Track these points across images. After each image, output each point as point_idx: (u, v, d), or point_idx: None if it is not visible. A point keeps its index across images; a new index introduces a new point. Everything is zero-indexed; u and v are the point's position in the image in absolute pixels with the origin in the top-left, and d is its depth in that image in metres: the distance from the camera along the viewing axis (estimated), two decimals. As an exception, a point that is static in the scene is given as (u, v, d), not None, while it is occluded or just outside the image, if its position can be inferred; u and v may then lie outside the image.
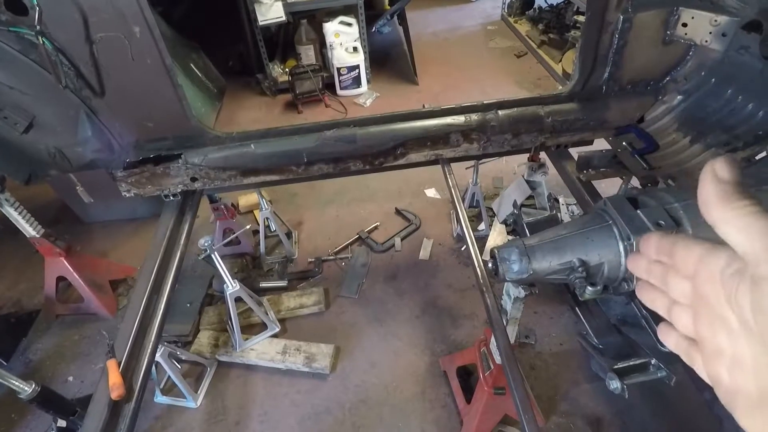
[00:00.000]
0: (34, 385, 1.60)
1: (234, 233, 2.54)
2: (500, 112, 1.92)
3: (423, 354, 2.25)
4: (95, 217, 3.19)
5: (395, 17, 5.02)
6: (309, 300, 2.45)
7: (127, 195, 1.97)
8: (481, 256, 1.65)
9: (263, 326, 2.33)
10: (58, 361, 2.39)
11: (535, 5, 5.63)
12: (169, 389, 2.15)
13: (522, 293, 1.27)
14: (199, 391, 2.15)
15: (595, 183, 1.89)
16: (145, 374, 1.46)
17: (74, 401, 1.89)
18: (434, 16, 6.17)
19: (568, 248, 1.10)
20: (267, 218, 2.65)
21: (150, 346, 1.52)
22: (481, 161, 2.47)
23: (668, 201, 1.01)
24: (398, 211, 3.06)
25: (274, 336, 2.32)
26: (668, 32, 1.68)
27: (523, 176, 2.55)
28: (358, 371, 2.20)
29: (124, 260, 2.85)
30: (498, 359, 1.55)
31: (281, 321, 2.40)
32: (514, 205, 1.56)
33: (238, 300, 2.12)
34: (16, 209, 2.10)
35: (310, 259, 2.75)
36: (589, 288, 1.08)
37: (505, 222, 2.72)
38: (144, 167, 1.90)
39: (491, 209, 2.90)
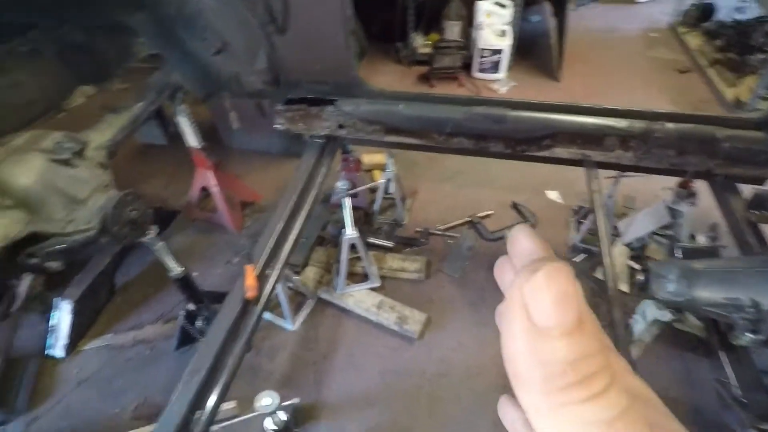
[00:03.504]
0: (182, 269, 1.88)
1: (355, 186, 2.67)
2: (669, 125, 1.75)
3: (510, 350, 2.20)
4: (236, 144, 3.57)
5: (551, 7, 4.74)
6: (411, 266, 2.52)
7: (280, 128, 2.15)
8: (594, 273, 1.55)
9: (364, 277, 2.46)
10: (187, 257, 2.75)
11: (715, 17, 4.95)
12: (273, 308, 2.37)
13: (667, 316, 1.19)
14: (297, 317, 2.35)
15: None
16: (273, 284, 1.62)
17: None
18: (591, 13, 5.73)
19: (740, 284, 0.99)
20: (388, 179, 2.74)
21: (281, 262, 1.68)
22: (624, 174, 2.29)
23: None
24: (515, 205, 2.97)
25: (373, 289, 2.44)
26: None
27: (664, 201, 2.33)
28: (443, 346, 2.23)
29: (253, 187, 3.16)
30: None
31: (381, 278, 2.50)
32: (674, 236, 1.44)
33: (351, 247, 2.25)
34: (188, 120, 2.42)
35: (418, 229, 2.80)
36: (750, 334, 0.97)
37: (629, 245, 2.54)
38: (301, 106, 2.07)
39: (615, 228, 2.70)
